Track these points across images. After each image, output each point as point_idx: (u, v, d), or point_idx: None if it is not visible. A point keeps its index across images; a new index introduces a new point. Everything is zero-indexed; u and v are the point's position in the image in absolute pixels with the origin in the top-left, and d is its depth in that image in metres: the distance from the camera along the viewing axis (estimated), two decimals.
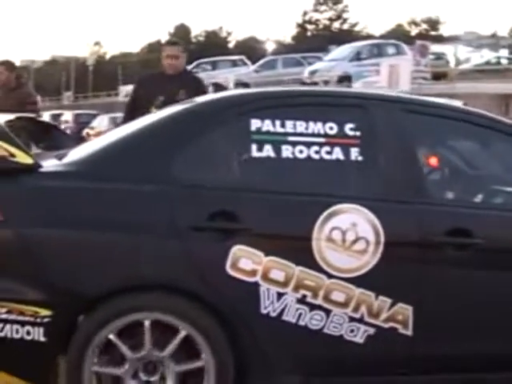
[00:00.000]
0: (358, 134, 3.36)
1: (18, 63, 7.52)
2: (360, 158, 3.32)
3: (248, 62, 34.10)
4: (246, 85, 29.61)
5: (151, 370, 3.11)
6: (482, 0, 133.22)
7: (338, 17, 65.70)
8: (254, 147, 3.27)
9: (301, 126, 3.32)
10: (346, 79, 24.15)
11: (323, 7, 65.38)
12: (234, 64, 34.30)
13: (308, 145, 3.30)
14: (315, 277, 3.16)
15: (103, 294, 3.07)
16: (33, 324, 3.02)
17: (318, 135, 3.32)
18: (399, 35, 55.94)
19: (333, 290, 3.18)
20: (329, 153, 3.30)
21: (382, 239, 3.18)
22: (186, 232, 3.09)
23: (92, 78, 59.84)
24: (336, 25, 65.45)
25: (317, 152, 3.30)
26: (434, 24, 72.35)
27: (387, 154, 3.39)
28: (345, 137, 3.35)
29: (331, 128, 3.34)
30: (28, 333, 3.03)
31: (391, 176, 3.36)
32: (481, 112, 3.79)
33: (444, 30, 71.08)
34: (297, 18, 66.47)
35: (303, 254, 3.16)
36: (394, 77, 19.88)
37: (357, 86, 22.45)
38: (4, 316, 3.01)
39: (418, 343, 3.29)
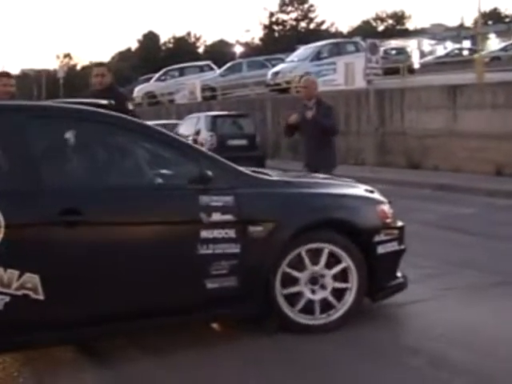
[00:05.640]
0: None
1: None
2: None
3: (215, 67, 34.18)
4: (212, 89, 30.02)
5: None
6: None
7: (305, 16, 66.27)
8: None
9: None
10: None
11: (289, 8, 65.97)
12: (201, 70, 34.25)
13: None
14: None
15: None
16: None
17: None
18: (366, 32, 56.63)
19: None
20: None
21: (3, 223, 3.85)
22: None
23: (63, 90, 59.93)
24: (303, 24, 66.02)
25: None
26: (399, 19, 73.30)
27: (7, 152, 4.08)
28: None
29: None
30: None
31: (10, 170, 4.05)
32: (101, 111, 4.55)
33: (411, 24, 72.15)
34: (264, 19, 66.36)
35: None
36: (349, 74, 20.39)
37: None
38: None
39: (51, 304, 4.00)
